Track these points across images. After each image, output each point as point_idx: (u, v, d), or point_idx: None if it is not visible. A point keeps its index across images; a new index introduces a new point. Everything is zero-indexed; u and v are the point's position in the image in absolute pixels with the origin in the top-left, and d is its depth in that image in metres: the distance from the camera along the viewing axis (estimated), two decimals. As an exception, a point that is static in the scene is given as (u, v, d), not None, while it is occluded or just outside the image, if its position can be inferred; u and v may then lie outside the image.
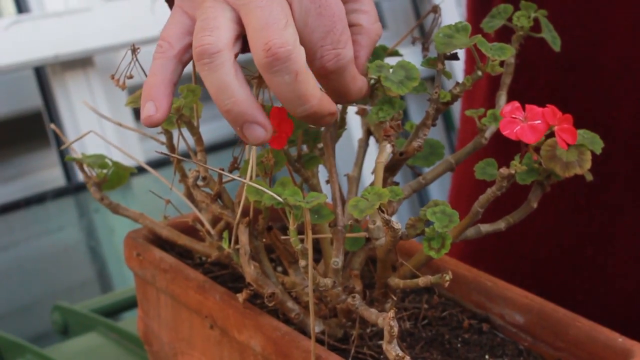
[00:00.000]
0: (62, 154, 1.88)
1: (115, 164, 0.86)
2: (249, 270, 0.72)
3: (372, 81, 0.68)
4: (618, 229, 0.99)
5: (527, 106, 0.68)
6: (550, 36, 0.80)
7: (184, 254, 0.86)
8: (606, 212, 0.99)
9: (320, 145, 0.78)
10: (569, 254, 1.02)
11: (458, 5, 2.70)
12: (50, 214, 1.78)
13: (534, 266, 1.04)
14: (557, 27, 0.81)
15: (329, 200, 0.72)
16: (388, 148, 0.68)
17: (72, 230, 1.79)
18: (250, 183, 0.66)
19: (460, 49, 0.72)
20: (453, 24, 0.73)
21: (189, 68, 0.72)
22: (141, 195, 1.76)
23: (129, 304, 1.27)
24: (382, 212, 0.62)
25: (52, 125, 0.91)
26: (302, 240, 0.66)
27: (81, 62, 1.86)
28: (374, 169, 0.69)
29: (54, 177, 1.87)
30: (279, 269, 0.85)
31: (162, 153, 0.66)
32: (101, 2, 2.01)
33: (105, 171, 0.86)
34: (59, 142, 1.89)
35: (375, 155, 0.72)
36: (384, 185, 0.76)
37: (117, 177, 0.88)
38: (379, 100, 0.69)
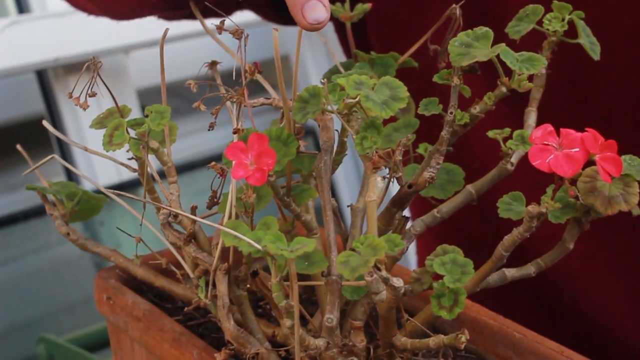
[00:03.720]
0: (67, 168, 1.78)
1: (85, 193, 0.75)
2: (228, 327, 0.61)
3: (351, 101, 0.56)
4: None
5: (563, 131, 0.56)
6: (588, 42, 0.68)
7: (164, 296, 0.75)
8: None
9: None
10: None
11: None
12: (51, 227, 1.67)
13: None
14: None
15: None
16: (379, 183, 0.56)
17: (74, 245, 1.68)
18: (223, 228, 0.55)
19: (481, 60, 0.60)
20: (471, 30, 0.61)
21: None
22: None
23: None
24: (378, 269, 0.50)
25: (18, 146, 0.81)
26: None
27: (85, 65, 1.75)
28: (366, 209, 0.57)
29: (57, 186, 1.77)
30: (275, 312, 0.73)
31: (117, 193, 0.55)
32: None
33: (73, 201, 0.75)
34: (62, 150, 1.79)
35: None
36: (391, 221, 0.65)
37: (89, 207, 0.77)
38: (362, 125, 0.57)
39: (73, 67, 1.76)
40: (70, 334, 1.13)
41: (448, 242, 0.59)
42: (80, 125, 1.76)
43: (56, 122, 1.79)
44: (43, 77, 1.79)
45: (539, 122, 0.67)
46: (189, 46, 1.87)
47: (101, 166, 1.73)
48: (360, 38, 0.94)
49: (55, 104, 1.78)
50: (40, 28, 1.71)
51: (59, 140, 1.80)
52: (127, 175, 1.73)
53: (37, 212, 1.68)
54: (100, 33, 1.74)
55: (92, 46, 1.72)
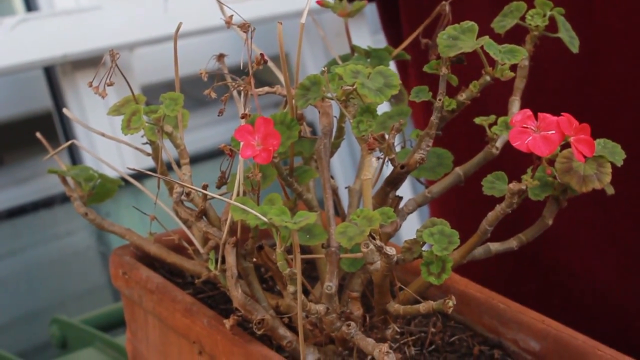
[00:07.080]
0: (73, 157, 1.83)
1: (102, 176, 0.81)
2: (236, 295, 0.66)
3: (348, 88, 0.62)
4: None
5: (540, 115, 0.62)
6: (568, 36, 0.74)
7: (174, 272, 0.81)
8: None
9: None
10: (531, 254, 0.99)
11: None
12: (59, 219, 1.72)
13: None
14: None
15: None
16: (374, 162, 0.62)
17: (81, 235, 1.73)
18: (233, 202, 0.60)
19: (467, 51, 0.65)
20: (458, 24, 0.66)
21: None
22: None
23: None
24: (373, 238, 0.56)
25: (38, 134, 0.86)
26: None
27: (92, 62, 1.80)
28: (362, 187, 0.63)
29: (64, 179, 1.81)
30: (277, 287, 0.79)
31: (134, 170, 0.60)
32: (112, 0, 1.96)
33: (90, 184, 0.80)
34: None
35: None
36: (385, 200, 0.70)
37: (104, 190, 0.82)
38: (358, 110, 0.63)
39: (80, 64, 1.82)
40: (82, 315, 1.18)
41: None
42: (87, 120, 1.81)
43: (63, 118, 1.84)
44: (51, 73, 1.85)
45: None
46: (196, 43, 1.93)
47: (107, 158, 1.78)
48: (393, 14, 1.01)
49: (63, 100, 1.84)
50: (49, 26, 1.76)
51: (65, 134, 1.85)
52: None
53: (45, 204, 1.73)
54: (107, 30, 1.80)
55: (98, 43, 1.77)
